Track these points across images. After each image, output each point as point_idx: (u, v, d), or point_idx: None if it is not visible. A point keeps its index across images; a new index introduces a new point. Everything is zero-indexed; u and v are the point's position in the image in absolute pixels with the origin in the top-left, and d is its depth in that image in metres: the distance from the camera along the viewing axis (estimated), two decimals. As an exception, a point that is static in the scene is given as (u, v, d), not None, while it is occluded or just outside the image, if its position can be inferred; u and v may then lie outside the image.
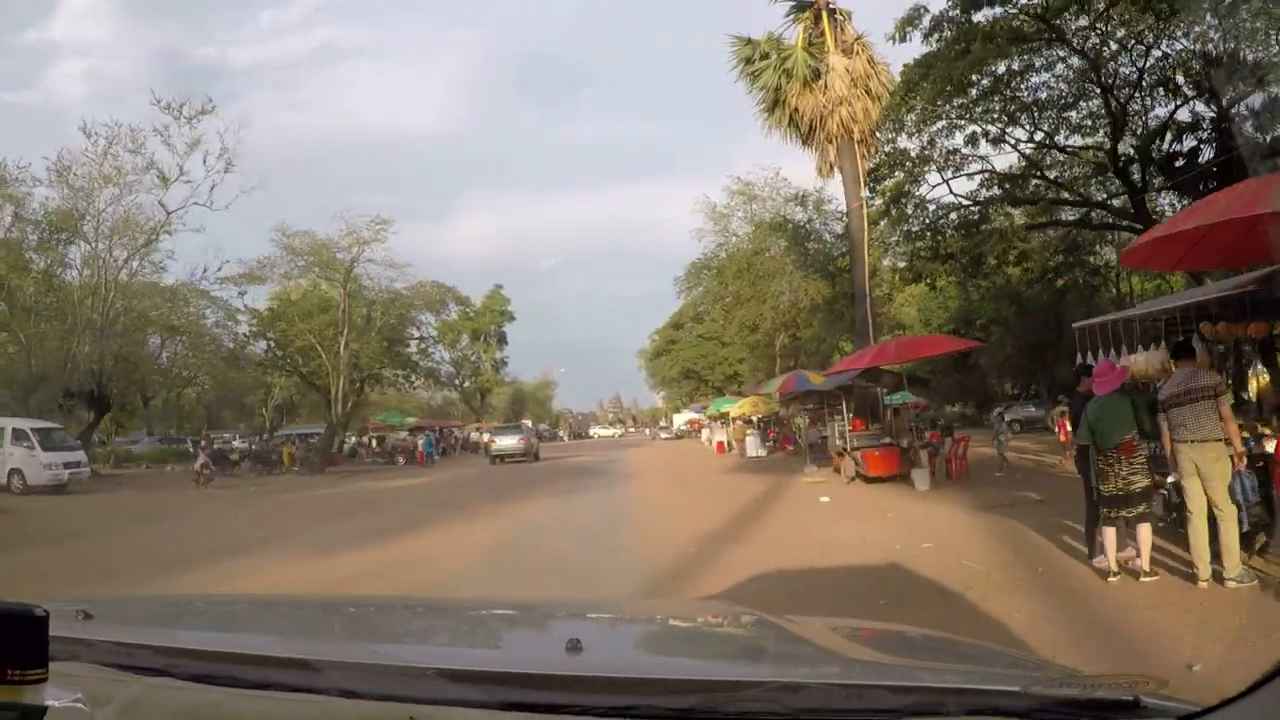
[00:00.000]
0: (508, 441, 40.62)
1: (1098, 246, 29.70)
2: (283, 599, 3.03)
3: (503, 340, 76.95)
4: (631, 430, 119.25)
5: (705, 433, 52.15)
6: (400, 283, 40.41)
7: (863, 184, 21.96)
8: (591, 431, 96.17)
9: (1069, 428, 12.81)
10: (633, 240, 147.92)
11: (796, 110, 21.84)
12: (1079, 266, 33.47)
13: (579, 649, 1.29)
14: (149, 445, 46.88)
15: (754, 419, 36.67)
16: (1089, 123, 24.68)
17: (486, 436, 42.95)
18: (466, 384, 75.70)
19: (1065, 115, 24.68)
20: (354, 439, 48.49)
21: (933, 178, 26.03)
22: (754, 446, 32.36)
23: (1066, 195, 25.60)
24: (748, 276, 32.97)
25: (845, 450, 17.52)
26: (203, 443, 34.40)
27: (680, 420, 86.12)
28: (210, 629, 1.83)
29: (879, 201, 23.61)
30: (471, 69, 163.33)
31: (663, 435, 74.00)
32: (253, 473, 35.36)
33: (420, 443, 40.13)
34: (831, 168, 22.21)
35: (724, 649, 1.81)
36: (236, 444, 41.76)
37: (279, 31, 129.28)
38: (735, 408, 34.39)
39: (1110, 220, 26.26)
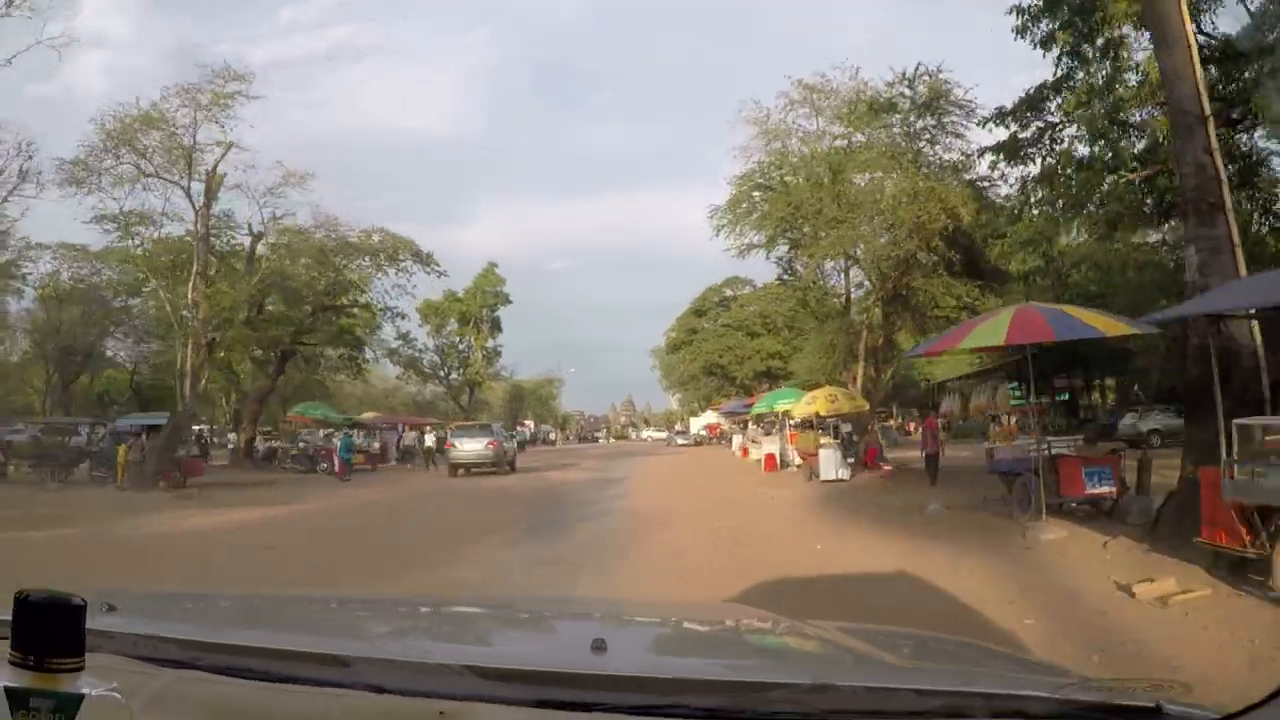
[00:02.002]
0: (472, 446, 28.44)
1: None
2: (307, 595, 2.69)
3: (496, 327, 64.47)
4: (644, 436, 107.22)
5: (737, 440, 39.45)
6: (293, 196, 27.75)
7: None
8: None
9: None
10: (645, 244, 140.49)
11: None
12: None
13: (604, 648, 1.24)
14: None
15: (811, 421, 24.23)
16: None
17: (434, 439, 30.41)
18: (453, 376, 63.22)
19: None
20: (291, 435, 36.06)
21: None
22: (832, 464, 19.68)
23: None
24: (830, 191, 20.12)
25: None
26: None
27: (698, 424, 73.89)
28: (235, 623, 1.74)
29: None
30: (485, 71, 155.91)
31: (679, 441, 61.12)
32: (92, 477, 23.37)
33: (337, 446, 27.59)
34: None
35: (749, 650, 1.77)
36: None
37: (295, 29, 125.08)
38: (801, 404, 21.61)
39: None
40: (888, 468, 20.37)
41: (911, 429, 45.30)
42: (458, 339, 62.60)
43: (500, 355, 65.40)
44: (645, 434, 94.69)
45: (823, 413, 20.70)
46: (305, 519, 15.12)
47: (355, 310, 34.45)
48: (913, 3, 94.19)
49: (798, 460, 23.90)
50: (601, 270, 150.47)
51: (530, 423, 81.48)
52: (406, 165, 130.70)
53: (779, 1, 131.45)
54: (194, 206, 23.08)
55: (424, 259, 33.94)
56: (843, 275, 25.27)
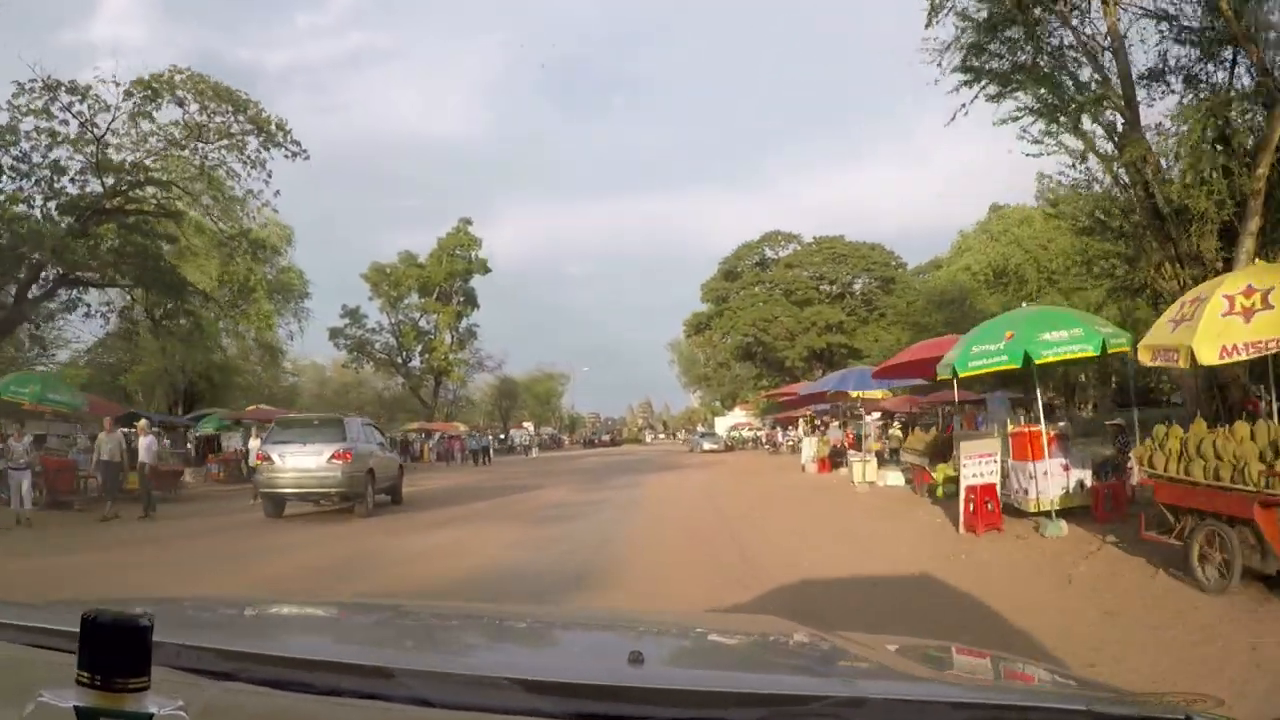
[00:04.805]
0: (300, 462, 13.88)
1: None
2: (348, 604, 2.47)
3: (471, 301, 49.36)
4: (661, 437, 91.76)
5: (809, 447, 24.19)
6: None
7: None
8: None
9: None
10: (664, 249, 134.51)
11: None
12: None
13: (641, 661, 1.23)
14: None
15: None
16: None
17: (147, 446, 15.15)
18: (414, 364, 48.18)
19: None
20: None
21: None
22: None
23: None
24: None
25: None
26: None
27: (723, 425, 58.76)
28: (278, 634, 1.72)
29: None
30: (504, 74, 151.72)
31: (705, 445, 45.76)
32: None
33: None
34: None
35: (784, 663, 1.67)
36: None
37: (313, 35, 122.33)
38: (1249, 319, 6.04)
39: None
40: None
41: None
42: (418, 315, 47.80)
43: (476, 337, 50.37)
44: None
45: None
46: None
47: (149, 218, 19.33)
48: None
49: (1040, 493, 8.81)
50: (622, 272, 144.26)
51: (529, 425, 66.47)
52: (426, 168, 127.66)
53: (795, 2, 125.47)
54: None
55: (269, 129, 18.79)
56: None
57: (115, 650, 0.76)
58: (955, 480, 11.72)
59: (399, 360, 47.78)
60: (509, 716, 1.03)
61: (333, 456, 13.59)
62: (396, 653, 1.49)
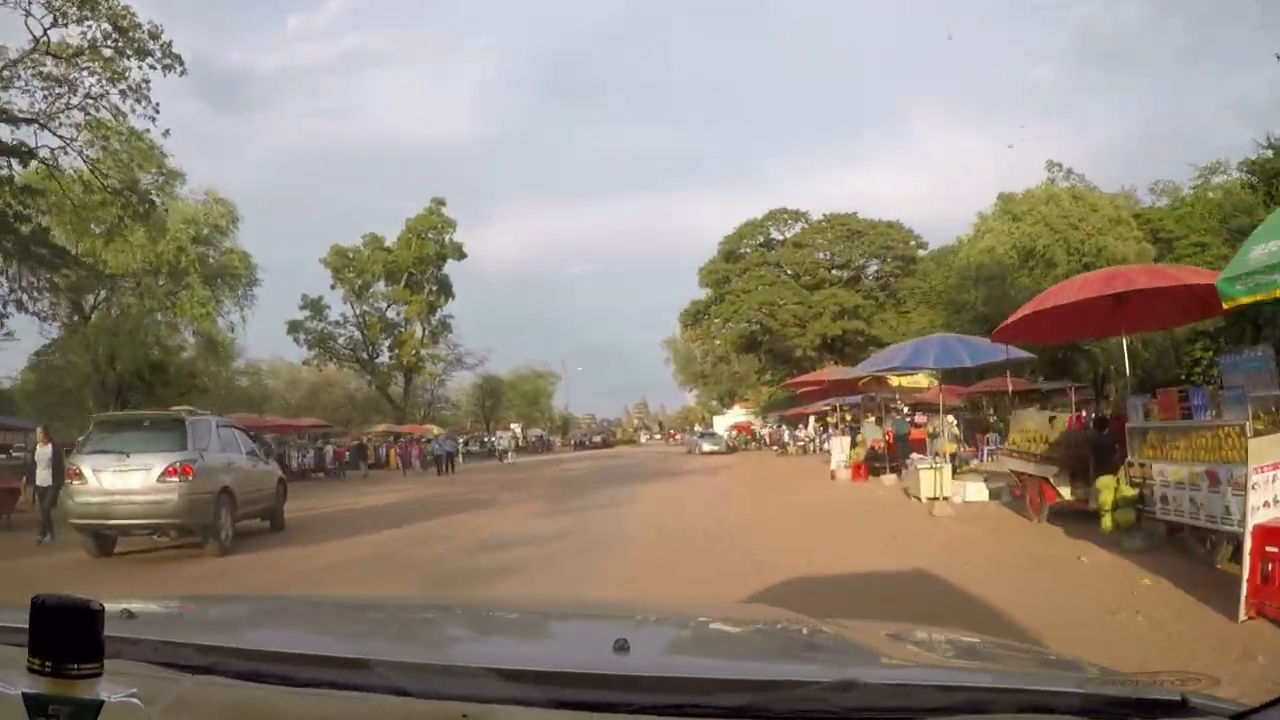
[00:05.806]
0: (121, 482, 9.14)
1: None
2: (327, 600, 2.66)
3: (445, 290, 44.72)
4: (657, 438, 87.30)
5: (839, 449, 19.76)
6: None
7: None
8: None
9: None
10: (663, 249, 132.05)
11: None
12: None
13: (626, 649, 1.21)
14: None
15: None
16: None
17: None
18: (382, 360, 43.49)
19: None
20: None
21: None
22: None
23: None
24: None
25: None
26: None
27: (721, 425, 54.38)
28: (255, 629, 1.69)
29: None
30: (501, 75, 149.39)
31: (705, 446, 41.34)
32: None
33: None
34: None
35: (771, 650, 1.68)
36: None
37: (306, 37, 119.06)
38: None
39: None
40: None
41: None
42: (385, 305, 43.08)
43: (451, 330, 45.69)
44: (645, 439, 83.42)
45: None
46: None
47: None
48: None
49: None
50: (622, 273, 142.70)
51: (517, 427, 61.95)
52: (424, 170, 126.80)
53: (791, 5, 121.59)
54: None
55: (135, 35, 14.22)
56: None
57: (66, 636, 0.73)
58: (1133, 503, 7.32)
59: (364, 355, 43.17)
60: (488, 705, 0.99)
61: (166, 473, 9.12)
62: (375, 645, 1.44)
